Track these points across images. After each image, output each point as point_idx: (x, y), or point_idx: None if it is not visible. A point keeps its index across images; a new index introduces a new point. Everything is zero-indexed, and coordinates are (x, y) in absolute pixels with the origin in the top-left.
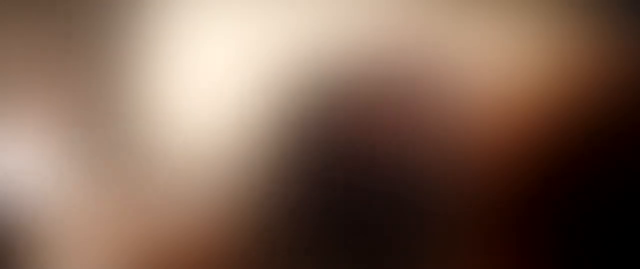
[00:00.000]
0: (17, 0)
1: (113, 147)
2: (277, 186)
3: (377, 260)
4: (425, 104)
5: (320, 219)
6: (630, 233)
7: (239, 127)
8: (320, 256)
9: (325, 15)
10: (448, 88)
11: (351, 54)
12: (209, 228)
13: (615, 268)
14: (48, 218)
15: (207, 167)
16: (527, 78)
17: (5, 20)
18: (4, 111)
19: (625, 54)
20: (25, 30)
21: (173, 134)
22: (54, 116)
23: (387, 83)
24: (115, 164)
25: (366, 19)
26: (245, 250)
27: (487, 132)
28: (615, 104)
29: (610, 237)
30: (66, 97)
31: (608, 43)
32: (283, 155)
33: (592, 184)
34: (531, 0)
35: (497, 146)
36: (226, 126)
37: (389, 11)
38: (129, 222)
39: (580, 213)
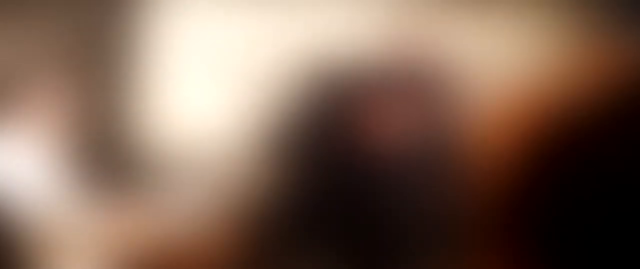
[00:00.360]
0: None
1: (111, 147)
2: (277, 185)
3: (379, 259)
4: (427, 102)
5: (321, 219)
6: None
7: (241, 127)
8: (319, 254)
9: (327, 14)
10: (449, 87)
11: (351, 52)
12: (209, 229)
13: None
14: (46, 220)
15: (208, 169)
16: (528, 79)
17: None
18: (4, 110)
19: (624, 54)
20: (26, 29)
21: (173, 135)
22: (54, 116)
23: (388, 82)
24: (115, 164)
25: (365, 18)
26: (244, 250)
27: (489, 132)
28: (615, 104)
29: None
30: (66, 98)
31: (608, 43)
32: (282, 153)
33: (593, 183)
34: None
35: (499, 146)
36: (228, 127)
37: (388, 11)
38: (128, 223)
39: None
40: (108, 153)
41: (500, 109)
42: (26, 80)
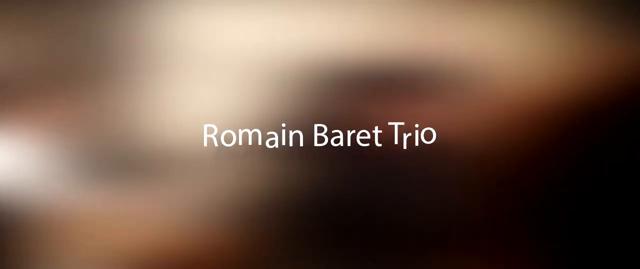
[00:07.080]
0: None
1: (114, 149)
2: (280, 189)
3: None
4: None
5: (322, 221)
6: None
7: (244, 130)
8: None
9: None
10: (455, 87)
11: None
12: (207, 232)
13: None
14: (47, 219)
15: (208, 170)
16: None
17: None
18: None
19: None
20: (27, 30)
21: (171, 135)
22: (56, 118)
23: (389, 83)
24: (116, 166)
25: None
26: (244, 255)
27: (495, 133)
28: (617, 105)
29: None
30: (69, 99)
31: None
32: (286, 159)
33: (594, 184)
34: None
35: (505, 146)
36: (229, 131)
37: (392, 12)
38: (128, 225)
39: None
40: (109, 154)
41: (511, 108)
42: (27, 81)
